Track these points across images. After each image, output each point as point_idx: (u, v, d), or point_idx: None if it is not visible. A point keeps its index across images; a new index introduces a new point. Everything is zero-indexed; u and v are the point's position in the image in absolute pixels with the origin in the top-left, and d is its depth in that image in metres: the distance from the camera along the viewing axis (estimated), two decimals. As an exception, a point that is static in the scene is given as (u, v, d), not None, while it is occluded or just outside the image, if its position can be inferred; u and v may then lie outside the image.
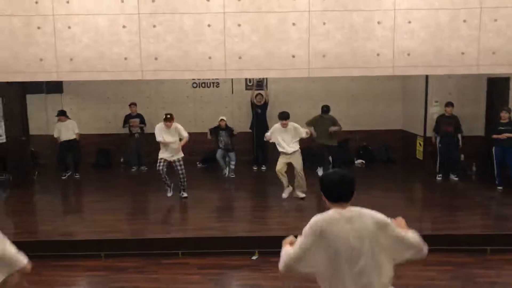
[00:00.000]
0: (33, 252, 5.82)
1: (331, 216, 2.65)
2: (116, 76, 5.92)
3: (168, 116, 7.71)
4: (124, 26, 5.83)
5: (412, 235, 2.68)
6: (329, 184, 2.71)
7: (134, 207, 8.04)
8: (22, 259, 3.09)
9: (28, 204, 8.31)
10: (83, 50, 5.84)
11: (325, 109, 9.54)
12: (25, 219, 7.08)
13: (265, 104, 10.58)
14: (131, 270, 5.60)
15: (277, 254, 5.88)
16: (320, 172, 9.70)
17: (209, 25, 5.83)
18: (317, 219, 2.66)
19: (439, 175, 9.30)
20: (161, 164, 7.84)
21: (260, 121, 10.51)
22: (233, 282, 5.35)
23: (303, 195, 7.82)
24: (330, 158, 10.05)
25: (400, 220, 2.82)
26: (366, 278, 2.60)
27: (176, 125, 7.82)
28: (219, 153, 9.94)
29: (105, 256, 5.98)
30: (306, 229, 2.65)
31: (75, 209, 8.32)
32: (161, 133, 7.75)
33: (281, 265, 2.71)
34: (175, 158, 7.89)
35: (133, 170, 10.73)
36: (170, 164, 7.94)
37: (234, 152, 9.96)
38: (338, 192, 2.69)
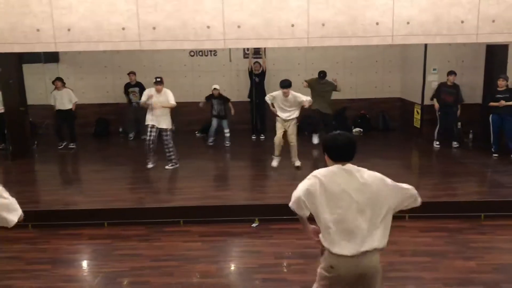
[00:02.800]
0: (37, 222, 6.05)
1: (331, 170, 2.89)
2: (114, 47, 5.87)
3: (158, 79, 7.62)
4: (121, -5, 5.76)
5: (406, 185, 2.99)
6: (334, 146, 2.91)
7: (136, 177, 8.12)
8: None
9: (29, 174, 8.39)
10: (80, 20, 5.76)
11: (322, 75, 9.52)
12: (27, 189, 7.15)
13: (263, 72, 10.52)
14: (134, 238, 5.74)
15: (277, 221, 6.06)
16: (315, 140, 9.78)
17: (207, -6, 5.76)
18: (317, 172, 2.91)
19: (437, 143, 9.40)
20: (152, 133, 7.83)
21: (258, 89, 10.48)
22: (234, 248, 5.50)
23: (299, 163, 7.88)
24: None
25: None
26: (365, 227, 2.82)
27: (166, 91, 7.76)
28: (213, 123, 9.95)
29: (109, 225, 6.12)
30: (306, 178, 2.92)
31: (77, 179, 8.41)
32: (147, 96, 7.72)
33: (291, 201, 2.95)
34: (163, 126, 7.84)
35: (130, 138, 10.75)
36: (158, 134, 7.92)
37: (227, 120, 9.95)
38: (342, 152, 2.89)
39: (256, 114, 10.62)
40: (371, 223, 2.84)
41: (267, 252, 5.30)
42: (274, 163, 8.01)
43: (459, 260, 4.99)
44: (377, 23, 5.81)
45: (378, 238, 2.86)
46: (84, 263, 5.29)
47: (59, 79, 9.69)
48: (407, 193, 2.96)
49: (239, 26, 5.84)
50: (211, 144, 9.94)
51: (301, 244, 5.43)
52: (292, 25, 5.83)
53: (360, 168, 2.92)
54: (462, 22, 5.78)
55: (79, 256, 5.41)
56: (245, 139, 10.62)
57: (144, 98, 7.76)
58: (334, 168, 2.89)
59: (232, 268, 5.09)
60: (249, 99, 10.77)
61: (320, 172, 2.90)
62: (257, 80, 10.48)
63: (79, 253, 5.47)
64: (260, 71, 10.49)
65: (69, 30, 5.80)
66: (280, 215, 6.01)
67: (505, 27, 5.75)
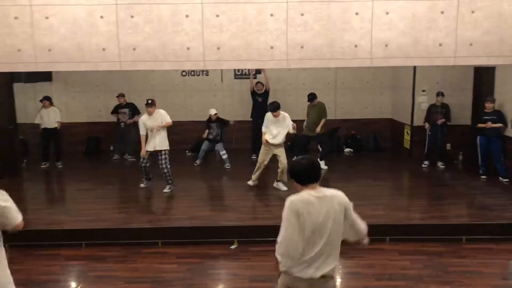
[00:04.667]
0: (16, 242, 5.99)
1: (305, 197, 2.92)
2: (95, 67, 5.92)
3: (150, 101, 7.45)
4: (102, 17, 5.81)
5: (363, 225, 3.07)
6: (299, 170, 2.99)
7: (122, 196, 8.10)
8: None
9: (16, 192, 8.22)
10: (61, 41, 5.82)
11: (310, 97, 9.32)
12: (11, 208, 7.11)
13: (266, 92, 10.36)
14: (111, 260, 5.69)
15: (256, 243, 5.97)
16: (322, 165, 9.55)
17: (187, 16, 5.80)
18: (292, 199, 2.93)
19: (425, 163, 9.38)
20: (145, 159, 7.70)
21: (261, 109, 10.23)
22: (209, 271, 5.42)
23: (285, 188, 7.82)
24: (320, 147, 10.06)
25: None
26: (328, 251, 2.93)
27: (159, 111, 7.58)
28: (205, 145, 9.88)
29: (88, 246, 6.08)
30: (285, 212, 2.92)
31: (62, 198, 8.38)
32: (144, 125, 7.56)
33: (278, 255, 2.99)
34: (158, 148, 7.61)
35: (115, 158, 10.66)
36: (153, 158, 7.73)
37: (222, 143, 9.83)
38: (308, 176, 2.97)
39: (259, 134, 10.25)
40: (329, 249, 2.93)
41: (242, 275, 5.24)
42: (251, 183, 8.07)
43: (435, 284, 4.91)
44: (355, 46, 5.84)
45: (332, 263, 2.95)
46: (56, 285, 5.22)
47: (47, 98, 9.74)
48: (361, 234, 3.08)
49: (218, 48, 5.89)
50: (197, 165, 9.87)
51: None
52: (271, 47, 5.88)
53: (332, 192, 2.99)
54: (440, 45, 5.81)
55: (52, 277, 5.32)
56: (245, 158, 10.46)
57: (141, 130, 7.63)
58: (307, 195, 2.93)
59: (205, 291, 5.02)
60: (251, 119, 10.61)
61: (295, 202, 2.92)
62: (260, 100, 10.30)
63: (53, 275, 5.39)
64: (263, 91, 10.39)
65: (49, 50, 5.86)
66: (259, 237, 5.97)
67: (482, 51, 5.77)
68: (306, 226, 2.87)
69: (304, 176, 2.97)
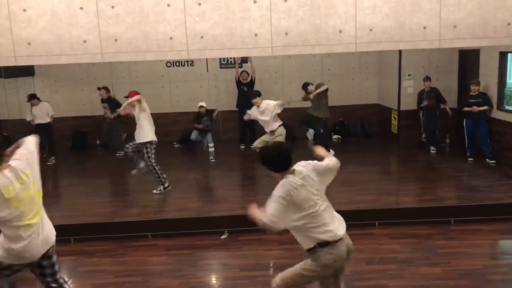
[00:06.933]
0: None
1: (294, 183, 3.13)
2: (76, 60, 5.80)
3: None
4: (81, 8, 5.69)
5: (330, 162, 3.38)
6: (272, 158, 3.21)
7: (110, 190, 8.02)
8: None
9: (1, 190, 8.23)
10: (40, 33, 5.69)
11: (304, 86, 9.20)
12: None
13: (252, 81, 10.34)
14: (100, 254, 5.64)
15: (246, 232, 5.95)
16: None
17: (168, 5, 5.71)
18: (286, 188, 3.11)
19: (433, 148, 9.45)
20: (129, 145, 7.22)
21: (247, 98, 10.16)
22: (200, 262, 5.40)
23: None
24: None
25: (319, 148, 3.61)
26: (328, 211, 3.26)
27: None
28: (194, 134, 9.70)
29: (77, 241, 6.01)
30: (279, 196, 3.12)
31: (50, 194, 8.23)
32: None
33: (264, 224, 3.12)
34: (139, 141, 6.97)
35: (118, 154, 10.29)
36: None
37: (211, 134, 9.58)
38: (282, 163, 3.20)
39: (245, 123, 9.96)
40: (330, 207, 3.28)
41: (233, 265, 5.23)
42: None
43: (425, 266, 4.94)
44: (340, 31, 5.80)
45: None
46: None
47: (34, 96, 9.49)
48: (333, 170, 3.38)
49: (202, 37, 5.81)
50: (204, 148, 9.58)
51: (268, 255, 5.38)
52: (256, 35, 5.81)
53: (305, 168, 3.23)
54: (425, 28, 5.80)
55: (41, 274, 5.26)
56: (233, 148, 10.45)
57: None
58: (295, 180, 3.14)
59: (195, 282, 4.97)
60: (237, 109, 10.56)
61: (287, 191, 3.13)
62: (246, 89, 10.22)
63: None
64: (248, 80, 10.34)
65: (29, 44, 5.72)
66: (249, 226, 5.94)
67: (467, 33, 5.78)
68: (303, 207, 3.13)
69: (277, 163, 3.20)
